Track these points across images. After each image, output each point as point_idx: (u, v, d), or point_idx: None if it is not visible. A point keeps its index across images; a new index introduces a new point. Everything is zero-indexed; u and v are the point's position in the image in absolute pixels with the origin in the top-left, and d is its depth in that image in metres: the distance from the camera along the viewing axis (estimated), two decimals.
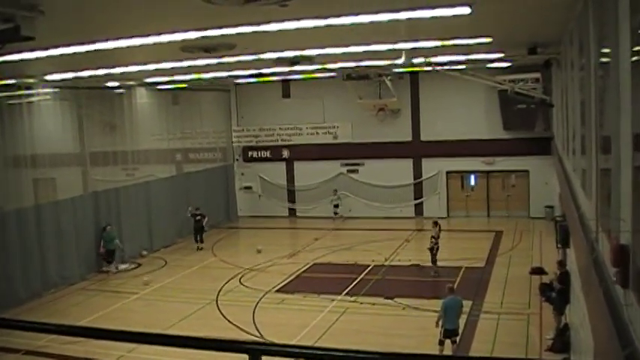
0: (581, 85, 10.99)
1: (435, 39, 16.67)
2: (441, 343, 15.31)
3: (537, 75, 26.15)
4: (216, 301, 21.32)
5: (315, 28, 11.97)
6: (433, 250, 22.76)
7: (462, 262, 24.08)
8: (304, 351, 2.82)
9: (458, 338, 15.57)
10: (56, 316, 19.85)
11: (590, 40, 8.87)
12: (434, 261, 22.86)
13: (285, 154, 36.18)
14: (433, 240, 22.84)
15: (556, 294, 16.53)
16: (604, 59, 7.20)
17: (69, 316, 19.90)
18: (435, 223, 23.34)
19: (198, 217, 29.43)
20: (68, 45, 13.16)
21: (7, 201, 22.84)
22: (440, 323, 15.35)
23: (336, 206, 34.80)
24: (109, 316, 20.06)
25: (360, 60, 23.06)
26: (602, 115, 7.47)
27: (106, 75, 21.68)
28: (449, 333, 15.29)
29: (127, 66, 19.41)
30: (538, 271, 22.07)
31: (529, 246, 26.50)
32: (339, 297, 20.89)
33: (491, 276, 22.39)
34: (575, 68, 13.12)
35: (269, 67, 23.19)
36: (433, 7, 10.81)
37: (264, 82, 31.55)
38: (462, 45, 17.72)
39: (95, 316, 19.98)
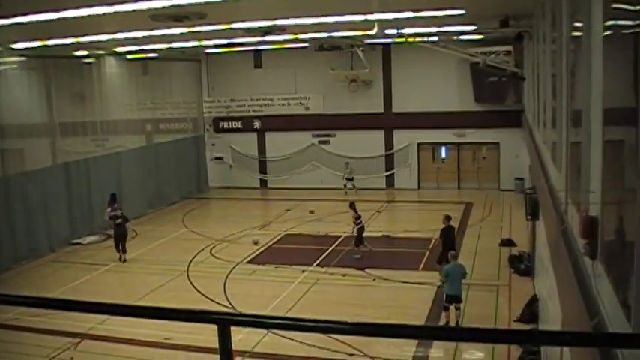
0: (553, 58, 11.01)
1: (407, 10, 16.61)
2: (446, 308, 15.87)
3: (509, 48, 26.28)
4: (187, 272, 21.27)
5: None
6: (360, 232, 21.99)
7: (432, 233, 24.22)
8: (273, 321, 2.80)
9: (461, 305, 15.98)
10: (25, 289, 19.60)
11: (562, 13, 8.87)
12: (358, 242, 21.96)
13: (257, 125, 36.00)
14: (357, 222, 22.10)
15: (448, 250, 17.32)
16: (576, 33, 7.20)
17: (38, 288, 19.70)
18: (351, 205, 22.72)
19: (119, 221, 23.23)
20: (34, 12, 12.88)
21: None
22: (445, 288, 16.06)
23: (350, 179, 33.70)
24: (79, 289, 19.92)
25: (333, 31, 22.89)
26: (573, 89, 7.50)
27: (75, 44, 21.30)
28: (450, 298, 15.81)
29: (95, 35, 19.09)
30: (507, 242, 22.38)
31: (499, 218, 26.77)
32: (310, 268, 20.97)
33: (461, 247, 22.55)
34: (546, 41, 13.14)
35: (241, 37, 22.94)
36: None
37: (235, 52, 31.27)
38: (435, 17, 17.67)
39: (65, 288, 19.83)
